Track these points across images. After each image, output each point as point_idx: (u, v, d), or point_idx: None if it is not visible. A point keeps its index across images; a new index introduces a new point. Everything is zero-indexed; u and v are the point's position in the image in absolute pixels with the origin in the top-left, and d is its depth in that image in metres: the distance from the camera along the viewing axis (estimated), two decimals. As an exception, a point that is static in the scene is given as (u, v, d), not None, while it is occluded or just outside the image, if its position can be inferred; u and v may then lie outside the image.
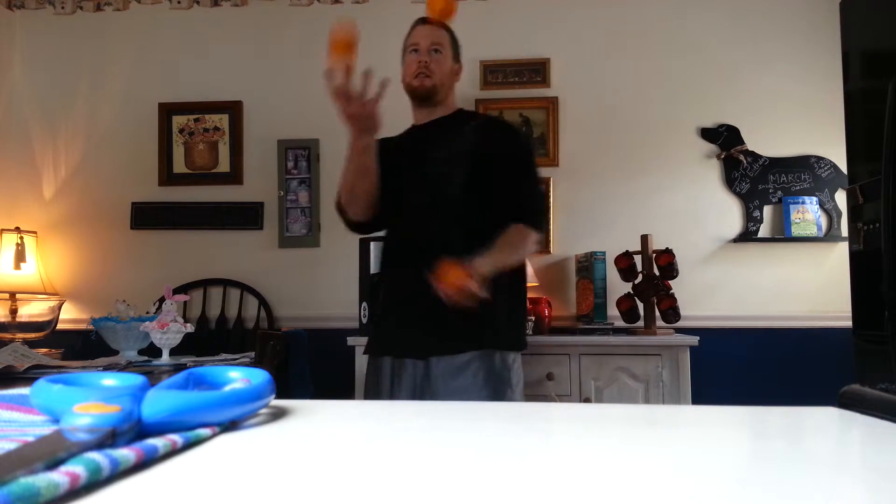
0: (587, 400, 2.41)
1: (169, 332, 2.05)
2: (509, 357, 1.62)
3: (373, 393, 1.68)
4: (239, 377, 0.49)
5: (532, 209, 1.68)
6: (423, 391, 1.58)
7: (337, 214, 1.77)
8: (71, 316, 3.01)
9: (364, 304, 2.64)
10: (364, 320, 2.64)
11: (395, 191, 1.66)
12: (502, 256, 1.55)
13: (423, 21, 1.70)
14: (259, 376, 0.48)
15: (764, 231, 2.96)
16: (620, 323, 2.68)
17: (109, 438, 0.34)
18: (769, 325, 2.89)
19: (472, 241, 1.53)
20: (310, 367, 2.29)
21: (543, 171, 3.01)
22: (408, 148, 1.71)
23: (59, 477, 0.27)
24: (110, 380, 0.46)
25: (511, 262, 1.59)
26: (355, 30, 1.43)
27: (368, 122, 1.50)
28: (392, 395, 1.62)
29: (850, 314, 1.94)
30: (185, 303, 2.86)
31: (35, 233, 3.10)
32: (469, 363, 1.56)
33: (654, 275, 2.59)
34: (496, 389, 1.57)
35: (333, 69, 1.41)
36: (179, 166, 3.18)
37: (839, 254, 2.80)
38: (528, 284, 2.78)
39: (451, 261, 1.42)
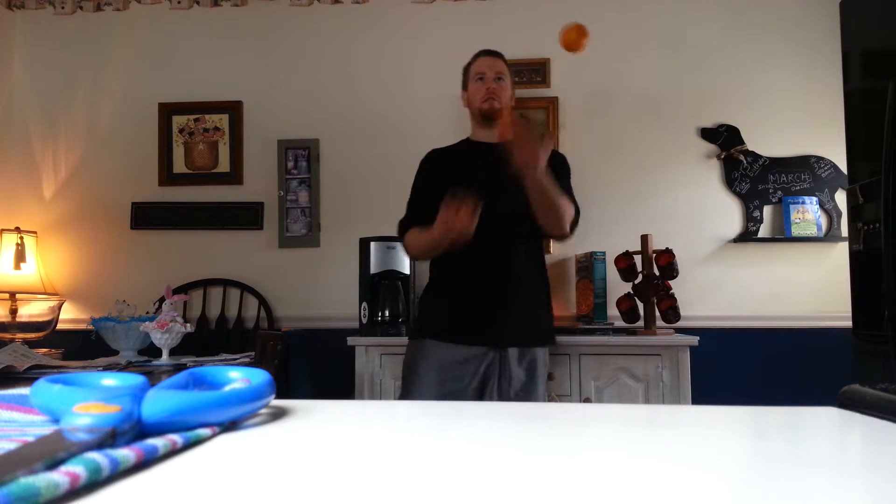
0: (587, 400, 2.41)
1: (169, 332, 2.05)
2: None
3: (444, 379, 1.83)
4: (239, 377, 0.49)
5: (575, 206, 1.94)
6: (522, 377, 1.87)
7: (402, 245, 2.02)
8: (71, 316, 3.01)
9: (364, 303, 2.64)
10: (364, 320, 2.64)
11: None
12: (553, 188, 1.74)
13: (485, 53, 1.98)
14: (259, 376, 0.48)
15: (764, 231, 2.96)
16: (620, 323, 2.68)
17: (109, 438, 0.34)
18: (769, 325, 2.89)
19: (540, 243, 1.97)
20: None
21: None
22: (472, 162, 1.93)
23: (59, 477, 0.27)
24: (110, 380, 0.46)
25: (554, 199, 1.76)
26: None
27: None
28: (482, 383, 1.85)
29: (850, 314, 1.94)
30: (185, 303, 2.86)
31: (35, 233, 3.10)
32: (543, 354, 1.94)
33: (654, 275, 2.59)
34: (544, 378, 1.94)
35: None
36: (179, 166, 3.18)
37: (839, 254, 2.80)
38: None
39: (527, 133, 1.62)
